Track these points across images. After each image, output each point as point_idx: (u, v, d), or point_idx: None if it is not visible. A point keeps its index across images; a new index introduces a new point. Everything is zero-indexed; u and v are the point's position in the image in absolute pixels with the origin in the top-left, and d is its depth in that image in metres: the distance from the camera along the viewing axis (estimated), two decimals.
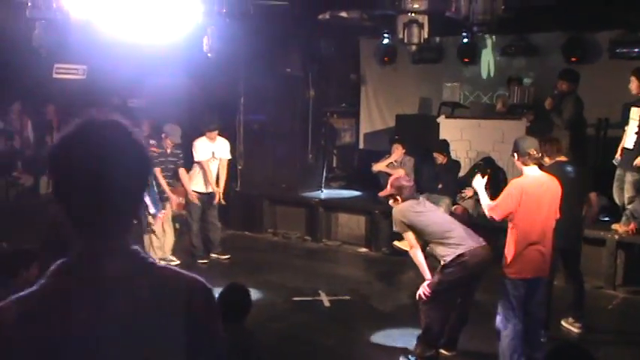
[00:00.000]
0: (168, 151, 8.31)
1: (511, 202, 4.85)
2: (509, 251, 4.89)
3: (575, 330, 6.12)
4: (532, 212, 4.84)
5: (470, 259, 5.16)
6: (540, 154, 5.18)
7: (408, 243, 5.53)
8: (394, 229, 5.78)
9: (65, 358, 1.34)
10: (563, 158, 5.88)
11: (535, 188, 4.89)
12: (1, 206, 9.08)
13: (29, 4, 6.66)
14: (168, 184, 8.30)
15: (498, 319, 4.99)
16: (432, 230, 5.37)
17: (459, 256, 5.16)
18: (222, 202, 8.71)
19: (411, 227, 5.44)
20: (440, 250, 5.29)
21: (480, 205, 8.42)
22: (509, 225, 4.94)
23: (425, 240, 5.47)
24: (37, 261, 4.75)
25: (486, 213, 5.08)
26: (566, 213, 5.25)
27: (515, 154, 4.98)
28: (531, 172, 4.96)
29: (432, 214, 5.59)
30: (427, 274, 5.40)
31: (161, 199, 8.12)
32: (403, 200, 5.57)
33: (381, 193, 6.21)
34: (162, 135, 8.36)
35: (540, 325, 5.23)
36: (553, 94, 8.14)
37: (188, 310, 1.46)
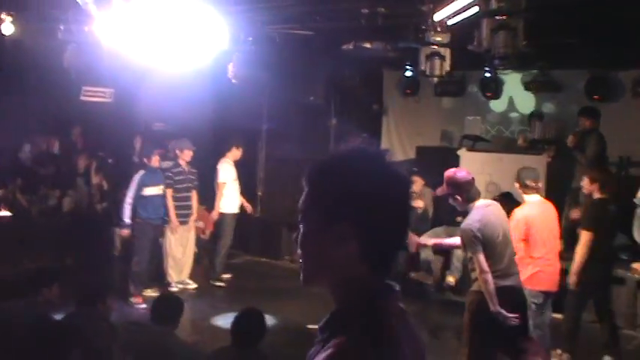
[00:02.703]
0: (186, 169, 8.30)
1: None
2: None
3: None
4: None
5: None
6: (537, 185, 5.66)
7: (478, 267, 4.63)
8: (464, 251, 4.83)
9: None
10: (605, 196, 5.96)
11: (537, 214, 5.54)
12: (24, 224, 9.22)
13: (62, 27, 6.89)
14: (186, 207, 8.28)
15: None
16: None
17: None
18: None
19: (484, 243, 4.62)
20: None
21: None
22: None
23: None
24: (58, 281, 4.84)
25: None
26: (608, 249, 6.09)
27: (517, 184, 5.59)
28: (531, 199, 5.56)
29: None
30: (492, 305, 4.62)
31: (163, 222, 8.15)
32: (466, 200, 4.70)
33: (438, 191, 5.05)
34: (177, 151, 8.32)
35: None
36: (575, 132, 8.12)
37: None
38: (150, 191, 7.76)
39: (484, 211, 4.67)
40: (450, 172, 4.74)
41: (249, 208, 8.98)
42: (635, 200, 7.45)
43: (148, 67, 6.21)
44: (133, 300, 7.53)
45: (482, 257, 4.57)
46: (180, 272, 8.29)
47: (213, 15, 5.57)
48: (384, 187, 1.39)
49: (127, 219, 7.71)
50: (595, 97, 9.25)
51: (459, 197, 4.66)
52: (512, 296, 4.68)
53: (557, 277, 5.68)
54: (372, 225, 1.37)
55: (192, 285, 8.34)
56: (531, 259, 5.49)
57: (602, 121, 8.03)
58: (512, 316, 4.55)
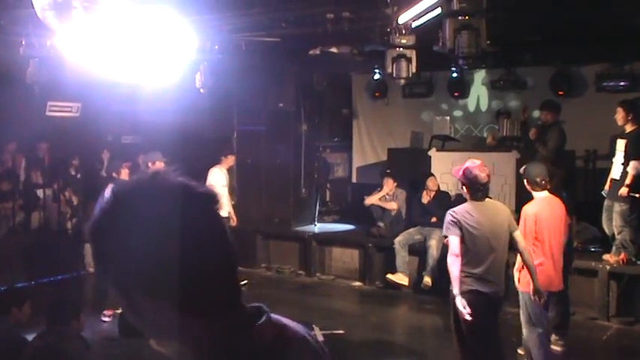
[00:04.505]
0: None
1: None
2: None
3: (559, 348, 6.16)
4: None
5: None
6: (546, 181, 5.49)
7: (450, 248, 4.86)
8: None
9: None
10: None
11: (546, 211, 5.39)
12: None
13: (23, 42, 6.76)
14: None
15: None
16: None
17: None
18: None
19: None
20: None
21: None
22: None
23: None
24: (30, 300, 4.75)
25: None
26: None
27: (525, 180, 5.52)
28: (540, 196, 5.45)
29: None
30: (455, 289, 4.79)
31: None
32: (470, 193, 4.85)
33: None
34: (149, 163, 8.23)
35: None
36: (537, 125, 8.29)
37: None
38: None
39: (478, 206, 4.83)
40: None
41: (234, 220, 8.82)
42: (602, 193, 7.60)
43: (115, 80, 6.13)
44: (105, 313, 7.41)
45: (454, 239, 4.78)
46: None
47: (179, 24, 5.53)
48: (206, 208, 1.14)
49: None
50: (560, 92, 9.42)
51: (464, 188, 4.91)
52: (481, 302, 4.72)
53: (559, 277, 5.48)
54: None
55: None
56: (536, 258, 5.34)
57: (568, 115, 8.19)
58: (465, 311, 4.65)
